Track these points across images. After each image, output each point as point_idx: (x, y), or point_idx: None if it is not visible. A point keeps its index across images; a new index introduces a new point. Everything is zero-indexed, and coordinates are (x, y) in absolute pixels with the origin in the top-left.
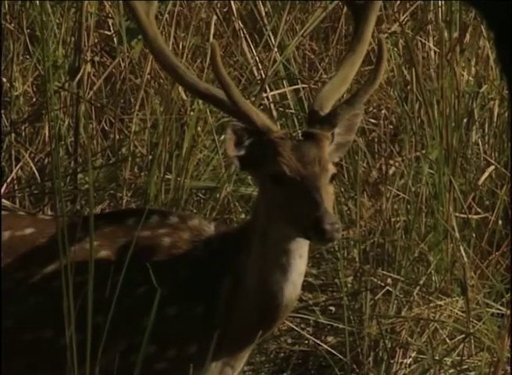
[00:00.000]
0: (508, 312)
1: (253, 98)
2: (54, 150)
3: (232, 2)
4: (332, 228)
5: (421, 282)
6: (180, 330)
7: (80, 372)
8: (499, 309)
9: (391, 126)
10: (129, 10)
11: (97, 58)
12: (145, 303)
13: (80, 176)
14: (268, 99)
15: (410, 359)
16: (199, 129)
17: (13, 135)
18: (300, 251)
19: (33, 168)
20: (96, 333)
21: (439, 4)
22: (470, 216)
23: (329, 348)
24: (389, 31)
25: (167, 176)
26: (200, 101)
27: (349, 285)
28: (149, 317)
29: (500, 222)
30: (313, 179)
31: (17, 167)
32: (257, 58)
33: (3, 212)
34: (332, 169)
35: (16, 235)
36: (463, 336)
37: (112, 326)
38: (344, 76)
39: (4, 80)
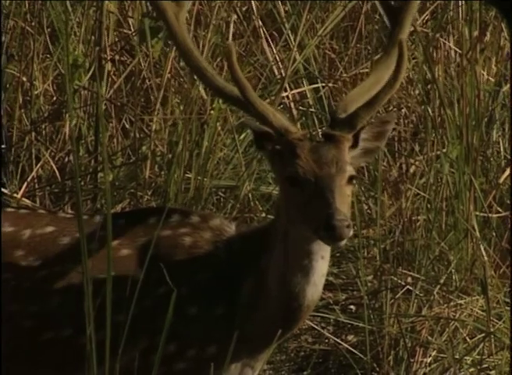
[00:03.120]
0: None
1: (272, 97)
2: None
3: (252, 1)
4: (342, 224)
5: (442, 281)
6: (200, 331)
7: (100, 370)
8: None
9: (411, 125)
10: (157, 12)
11: (117, 57)
12: (165, 303)
13: (100, 174)
14: (287, 98)
15: (431, 358)
16: (219, 128)
17: (33, 134)
18: (322, 252)
19: (54, 167)
20: (117, 332)
21: (460, 3)
22: (490, 214)
23: (350, 347)
24: (410, 30)
25: (187, 175)
26: (221, 100)
27: (369, 284)
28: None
29: None
30: (327, 179)
31: (37, 166)
32: (277, 57)
33: (23, 211)
34: (350, 171)
35: (37, 233)
36: (483, 335)
37: (132, 325)
38: (377, 79)
39: (24, 79)
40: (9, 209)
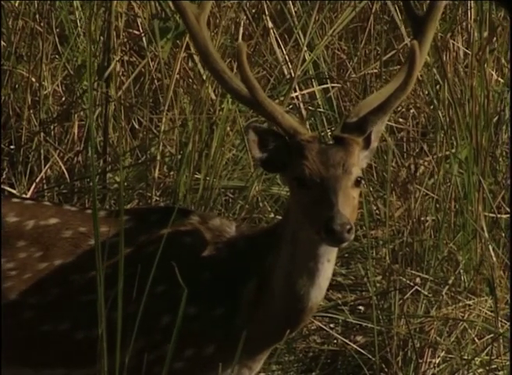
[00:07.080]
0: None
1: (282, 98)
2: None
3: (262, 1)
4: (343, 229)
5: (450, 281)
6: (198, 331)
7: (96, 367)
8: None
9: (420, 126)
10: (178, 12)
11: (126, 58)
12: (163, 302)
13: (109, 175)
14: (297, 99)
15: (439, 359)
16: (228, 128)
17: (42, 134)
18: (329, 255)
19: (62, 167)
20: (114, 330)
21: (469, 4)
22: (499, 215)
23: (358, 348)
24: None
25: (196, 176)
26: (230, 101)
27: (378, 285)
28: (167, 316)
29: None
30: (333, 181)
31: (46, 166)
32: (286, 58)
33: (28, 202)
34: (357, 173)
35: (40, 224)
36: (492, 336)
37: (130, 323)
38: (395, 86)
39: (33, 79)
40: (15, 200)
